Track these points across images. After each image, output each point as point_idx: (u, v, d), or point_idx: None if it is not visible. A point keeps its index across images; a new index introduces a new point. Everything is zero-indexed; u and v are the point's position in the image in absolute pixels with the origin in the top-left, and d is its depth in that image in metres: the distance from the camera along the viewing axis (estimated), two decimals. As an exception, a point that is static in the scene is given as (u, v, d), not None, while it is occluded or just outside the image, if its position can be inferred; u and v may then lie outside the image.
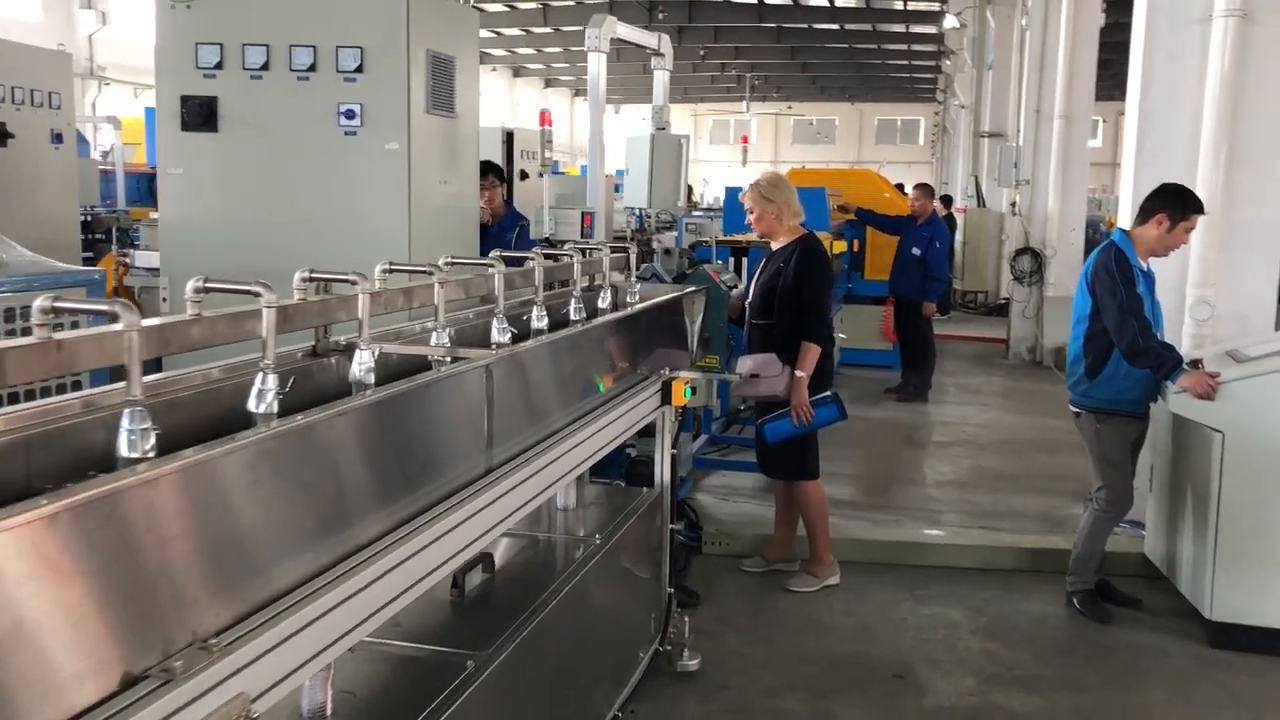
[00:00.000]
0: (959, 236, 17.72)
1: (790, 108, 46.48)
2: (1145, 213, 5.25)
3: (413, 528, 2.39)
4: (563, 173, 18.65)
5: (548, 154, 5.44)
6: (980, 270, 17.67)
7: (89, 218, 10.26)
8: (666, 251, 6.27)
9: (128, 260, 6.48)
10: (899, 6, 28.96)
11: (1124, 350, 5.08)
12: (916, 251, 10.30)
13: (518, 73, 39.71)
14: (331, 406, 2.23)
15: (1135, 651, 5.03)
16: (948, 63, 28.71)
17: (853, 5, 29.65)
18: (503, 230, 7.82)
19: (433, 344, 3.05)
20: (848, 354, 11.71)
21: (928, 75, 37.17)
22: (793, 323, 5.44)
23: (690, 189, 23.51)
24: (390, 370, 2.79)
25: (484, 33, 33.26)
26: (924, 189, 10.59)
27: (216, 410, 2.40)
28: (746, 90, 38.64)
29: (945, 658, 4.90)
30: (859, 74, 39.21)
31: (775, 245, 5.63)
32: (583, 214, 5.57)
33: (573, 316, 4.05)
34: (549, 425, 3.37)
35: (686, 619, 4.76)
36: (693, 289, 5.15)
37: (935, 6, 26.46)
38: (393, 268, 3.05)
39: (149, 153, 15.57)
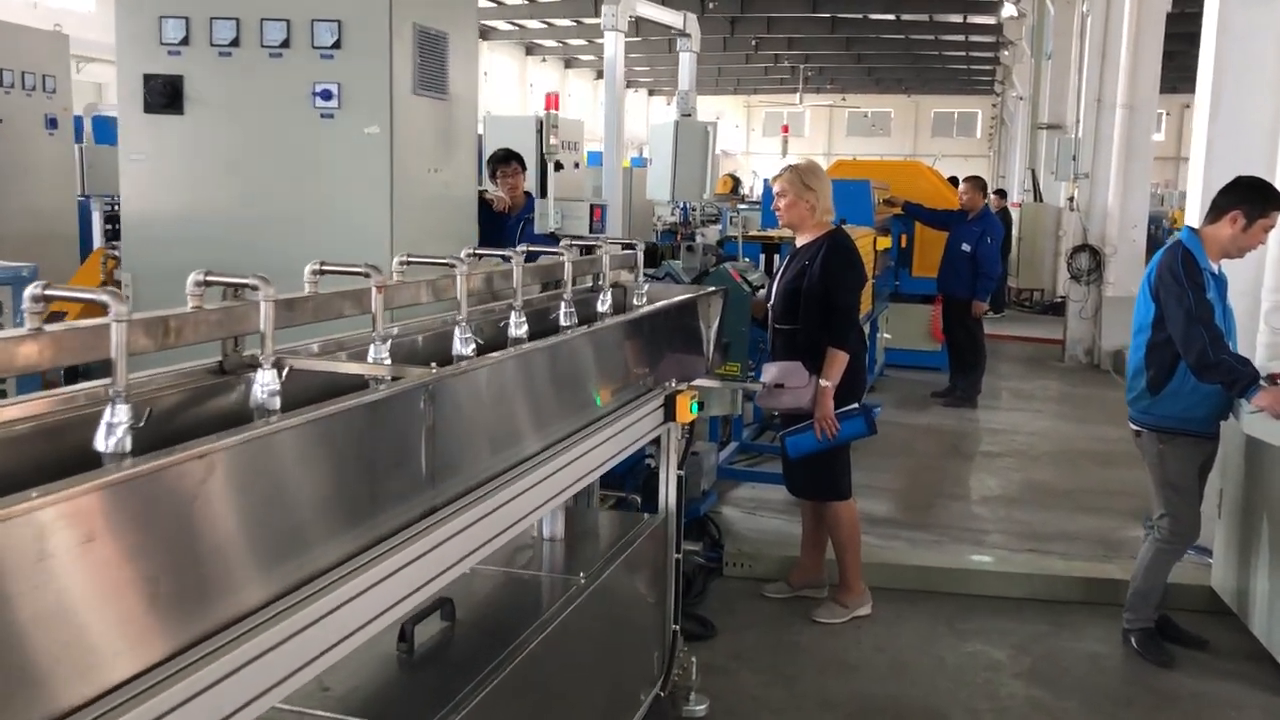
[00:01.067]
0: (1014, 232, 17.04)
1: (844, 100, 45.61)
2: (1218, 209, 4.65)
3: (310, 590, 1.93)
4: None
5: (553, 140, 4.94)
6: (1036, 267, 16.96)
7: (113, 207, 9.96)
8: (689, 248, 5.76)
9: (117, 253, 6.10)
10: (957, -4, 28.15)
11: (1192, 364, 4.51)
12: (966, 248, 9.69)
13: (569, 64, 39.24)
14: (191, 445, 1.76)
15: (1200, 701, 4.46)
16: (1006, 53, 27.86)
17: (909, -6, 28.93)
18: (518, 221, 7.39)
19: (370, 359, 2.58)
20: (893, 354, 11.14)
21: (985, 66, 36.24)
22: (819, 327, 4.92)
23: (738, 181, 22.96)
24: (332, 390, 2.34)
25: (533, 23, 32.79)
26: (974, 182, 9.97)
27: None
28: (799, 82, 37.89)
29: (985, 706, 4.36)
30: (915, 65, 38.36)
31: (800, 241, 5.11)
32: (592, 206, 5.08)
33: (562, 322, 3.57)
34: (520, 451, 2.89)
35: (694, 659, 4.25)
36: (709, 290, 4.65)
37: (993, -4, 25.63)
38: (324, 268, 2.59)
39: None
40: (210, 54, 4.13)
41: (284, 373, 2.23)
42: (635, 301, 4.26)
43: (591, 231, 5.05)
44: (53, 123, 6.47)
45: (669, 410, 3.84)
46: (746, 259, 6.10)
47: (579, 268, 4.21)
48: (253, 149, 4.20)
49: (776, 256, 7.04)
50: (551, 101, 4.91)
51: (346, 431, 2.12)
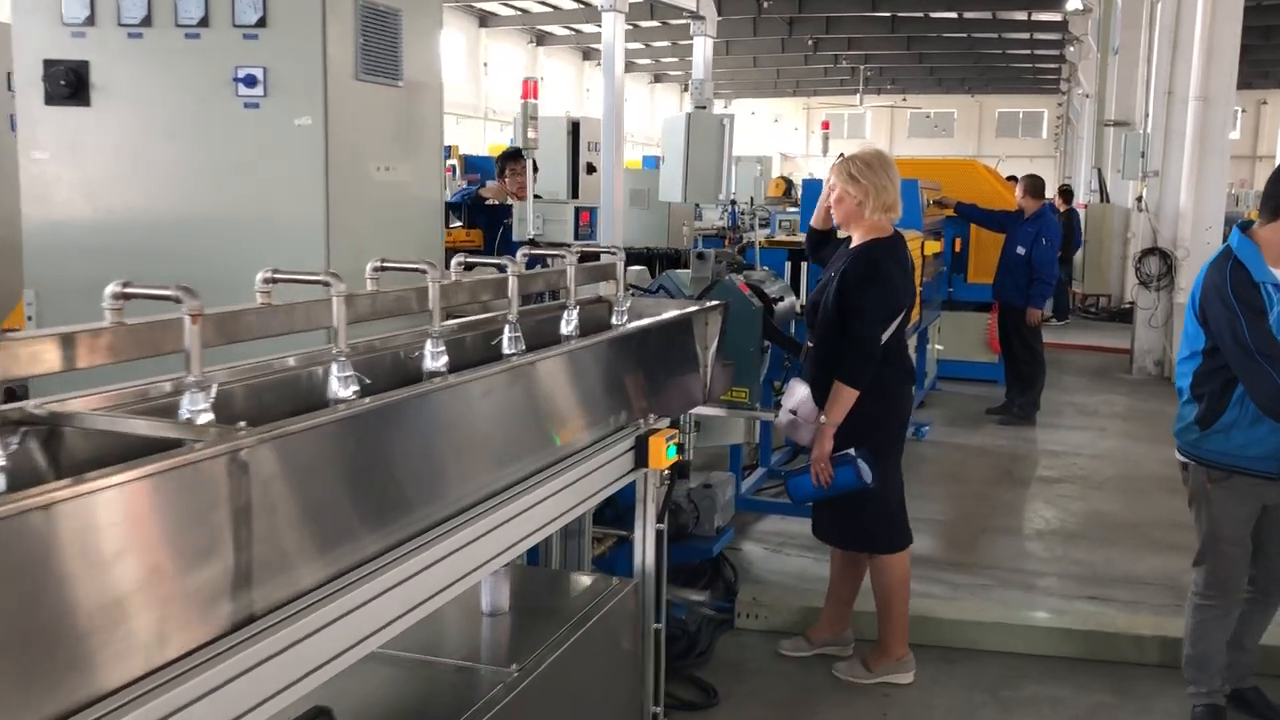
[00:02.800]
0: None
1: (905, 100, 44.44)
2: (1275, 201, 3.71)
3: None
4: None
5: (531, 135, 4.27)
6: (1102, 272, 15.97)
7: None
8: (699, 256, 5.06)
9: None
10: (1020, -8, 27.05)
11: (1264, 407, 3.67)
12: (1021, 251, 8.86)
13: (587, 55, 37.96)
14: None
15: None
16: (1071, 50, 26.72)
17: (971, -8, 27.88)
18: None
19: (184, 410, 1.93)
20: (946, 366, 10.33)
21: (1051, 65, 34.96)
22: (833, 351, 4.20)
23: (791, 183, 22.16)
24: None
25: (537, 6, 31.89)
26: (1029, 181, 9.12)
27: None
28: (860, 83, 36.87)
29: (1030, 804, 3.62)
30: (978, 64, 37.15)
31: (853, 243, 4.37)
32: (577, 210, 4.40)
33: (506, 349, 2.90)
34: (419, 518, 2.24)
35: (680, 745, 3.56)
36: (706, 305, 3.95)
37: (1059, -9, 24.53)
38: (276, 277, 2.03)
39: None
40: (119, 35, 3.53)
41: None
42: (615, 320, 3.58)
43: (577, 238, 4.38)
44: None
45: (640, 454, 3.16)
46: (765, 268, 5.38)
47: (549, 281, 3.56)
48: (169, 144, 3.59)
49: (805, 265, 6.32)
50: (530, 89, 4.25)
51: (129, 510, 1.49)
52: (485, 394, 2.54)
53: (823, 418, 4.20)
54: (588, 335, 3.23)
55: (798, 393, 4.37)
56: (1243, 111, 38.85)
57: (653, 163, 26.56)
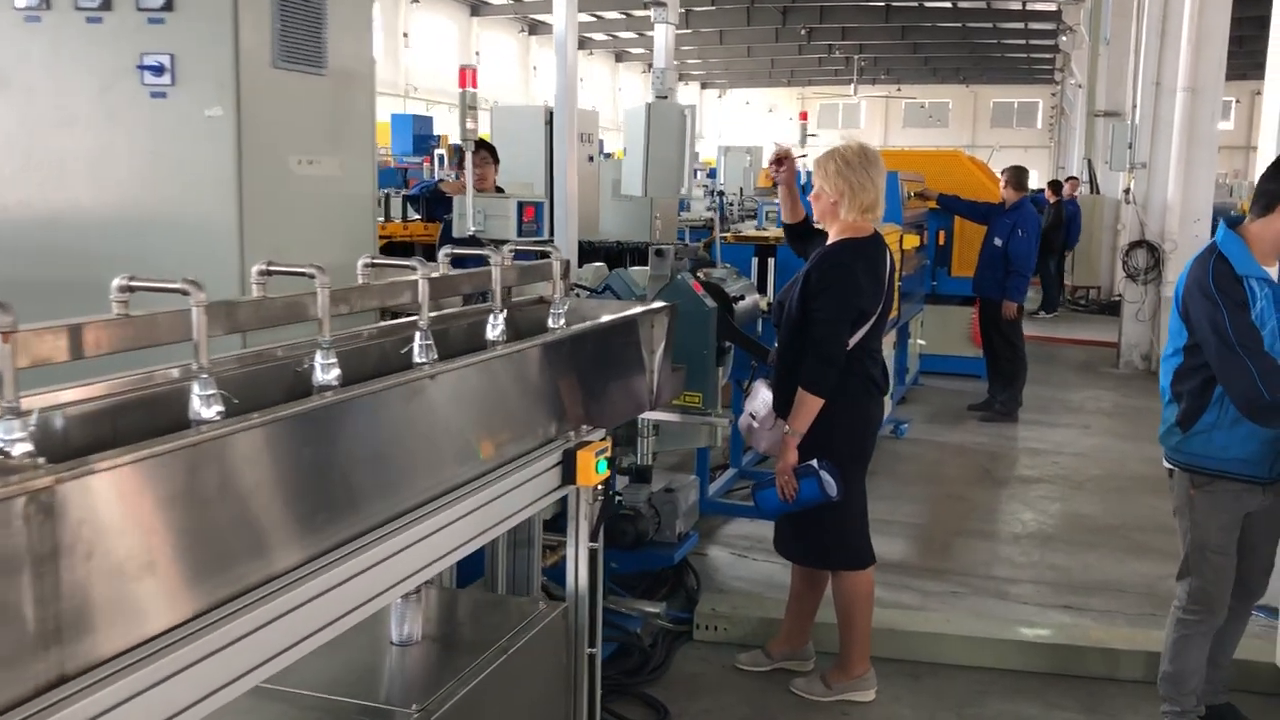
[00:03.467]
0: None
1: (899, 90, 44.10)
2: (1268, 198, 3.52)
3: None
4: (610, 155, 17.25)
5: (470, 125, 4.01)
6: (1092, 264, 15.76)
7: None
8: (658, 252, 4.82)
9: None
10: (1014, -19, 26.77)
11: (1240, 406, 3.48)
12: (999, 243, 8.62)
13: (582, 44, 37.49)
14: None
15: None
16: (1065, 39, 26.40)
17: (965, -19, 27.59)
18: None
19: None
20: (930, 361, 10.09)
21: (1045, 55, 34.67)
22: (798, 354, 3.96)
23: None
24: None
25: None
26: (1011, 172, 8.86)
27: None
28: (854, 73, 36.54)
29: (990, 835, 3.39)
30: (973, 54, 36.85)
31: (828, 241, 4.12)
32: (521, 204, 4.15)
33: (416, 358, 2.67)
34: (303, 547, 2.01)
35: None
36: (651, 307, 3.71)
37: (1054, -19, 24.25)
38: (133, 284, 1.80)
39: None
40: (14, 19, 3.29)
41: None
42: (551, 324, 3.35)
43: (520, 234, 4.13)
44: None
45: (568, 469, 2.92)
46: (727, 265, 5.13)
47: (476, 283, 3.31)
48: (67, 135, 3.35)
49: (772, 261, 6.08)
50: (468, 78, 3.99)
51: None
52: (378, 409, 2.31)
53: (786, 427, 3.96)
54: (513, 342, 3.00)
55: (760, 395, 4.14)
56: (1237, 102, 38.55)
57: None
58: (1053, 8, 26.80)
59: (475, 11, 31.21)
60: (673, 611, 4.73)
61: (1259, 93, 39.70)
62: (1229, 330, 3.40)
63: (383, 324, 2.93)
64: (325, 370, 2.37)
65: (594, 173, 10.41)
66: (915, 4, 29.27)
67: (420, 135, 17.90)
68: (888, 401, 7.93)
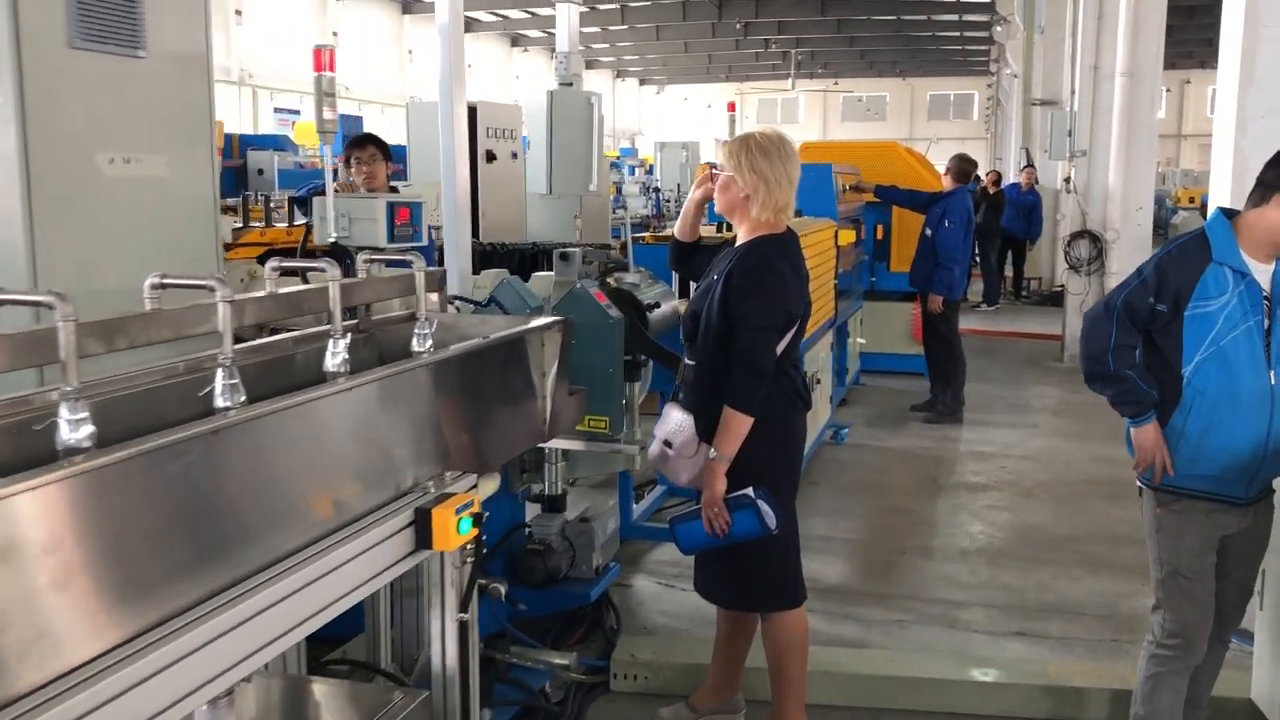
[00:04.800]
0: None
1: (837, 84, 43.82)
2: (1265, 188, 3.16)
3: None
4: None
5: (327, 115, 3.42)
6: (1034, 254, 15.41)
7: None
8: (563, 256, 4.27)
9: None
10: (948, -27, 26.48)
11: (1082, 366, 3.38)
12: (929, 233, 8.18)
13: (515, 41, 36.14)
14: None
15: None
16: (999, 30, 26.14)
17: (899, -26, 27.27)
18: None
19: None
20: (869, 359, 9.63)
21: (980, 46, 34.48)
22: (720, 369, 3.41)
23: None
24: None
25: (515, 13, 30.78)
26: (955, 160, 8.39)
27: None
28: (791, 67, 36.14)
29: None
30: (908, 47, 36.63)
31: (739, 240, 3.58)
32: (392, 206, 3.56)
33: (219, 401, 2.10)
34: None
35: None
36: (541, 323, 3.16)
37: (986, -28, 23.95)
38: None
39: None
40: None
41: None
42: (415, 346, 2.78)
43: (392, 240, 3.56)
44: None
45: (422, 532, 2.35)
46: (642, 269, 4.59)
47: (312, 304, 2.74)
48: None
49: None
50: (323, 60, 3.40)
51: None
52: (148, 476, 1.75)
53: (711, 452, 3.41)
54: (355, 374, 2.43)
55: (672, 419, 3.58)
56: (1168, 91, 38.75)
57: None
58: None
59: (407, 9, 30.43)
60: (587, 660, 4.17)
61: (1189, 81, 39.81)
62: (1122, 298, 3.24)
63: (181, 359, 2.34)
64: (73, 428, 1.80)
65: (517, 170, 9.81)
66: (850, -2, 28.94)
67: (350, 136, 17.18)
68: (827, 405, 7.44)
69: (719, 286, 3.44)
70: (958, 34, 33.79)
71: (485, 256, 6.94)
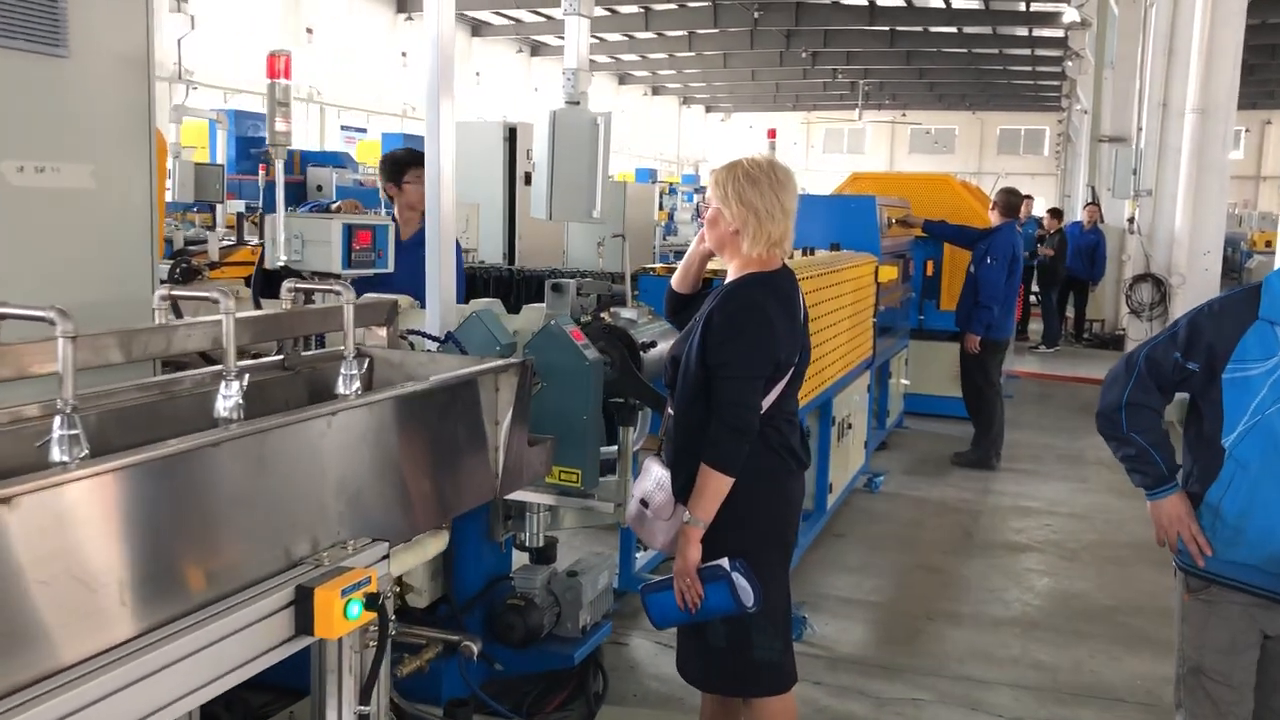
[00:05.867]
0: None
1: (904, 116, 43.15)
2: None
3: None
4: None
5: (281, 126, 3.08)
6: (1096, 296, 14.76)
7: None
8: (555, 287, 3.90)
9: None
10: (1021, 7, 25.83)
11: (1098, 411, 2.96)
12: (972, 270, 7.70)
13: (535, 50, 33.24)
14: None
15: None
16: (1071, 65, 25.47)
17: (971, 7, 26.66)
18: (418, 248, 5.63)
19: None
20: (914, 401, 9.13)
21: (1052, 81, 33.74)
22: (699, 421, 3.02)
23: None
24: None
25: (528, 15, 30.00)
26: (1001, 194, 7.89)
27: None
28: (859, 98, 35.62)
29: None
30: (979, 80, 35.95)
31: (728, 278, 3.19)
32: (349, 229, 3.21)
33: (54, 454, 1.77)
34: None
35: None
36: (493, 365, 2.79)
37: (1060, 7, 23.30)
38: None
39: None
40: None
41: None
42: (341, 389, 2.42)
43: (350, 265, 3.21)
44: None
45: (303, 615, 1.99)
46: (641, 303, 4.21)
47: (262, 329, 2.40)
48: None
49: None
50: (278, 66, 3.07)
51: None
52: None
53: (686, 515, 3.01)
54: (246, 421, 2.08)
55: (651, 474, 3.19)
56: (1246, 131, 37.58)
57: (645, 175, 25.29)
58: (1059, 34, 25.89)
59: (476, 32, 30.36)
60: (561, 729, 3.78)
61: (1269, 122, 38.72)
62: (1145, 352, 2.89)
63: (35, 402, 2.01)
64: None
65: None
66: (920, 29, 28.39)
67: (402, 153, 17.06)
68: (861, 450, 6.98)
69: (699, 329, 3.05)
70: (1029, 68, 33.10)
71: (502, 283, 6.61)
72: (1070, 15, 19.28)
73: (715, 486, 2.93)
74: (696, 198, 21.01)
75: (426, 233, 3.69)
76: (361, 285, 3.74)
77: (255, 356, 2.91)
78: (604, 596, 4.36)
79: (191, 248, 4.64)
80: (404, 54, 27.70)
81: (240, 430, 1.98)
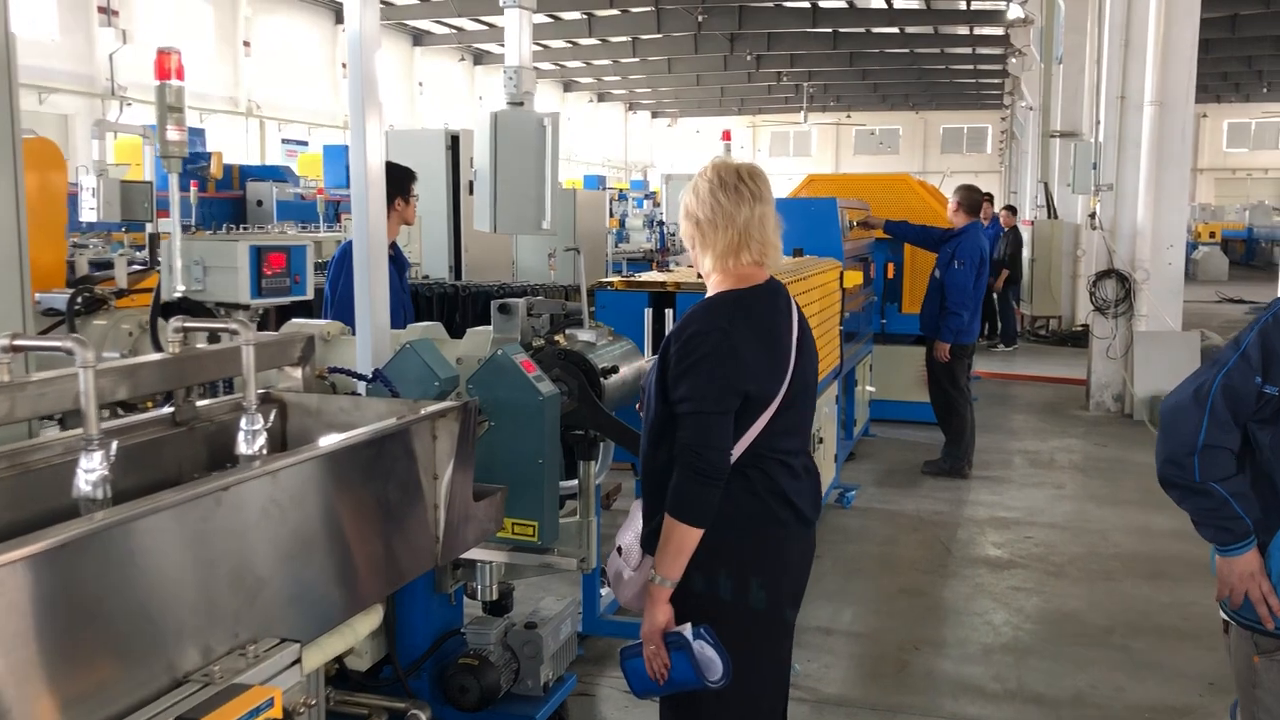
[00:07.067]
0: (1026, 252, 14.67)
1: (849, 117, 43.07)
2: None
3: None
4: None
5: (174, 135, 2.62)
6: (1052, 292, 14.56)
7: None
8: (503, 308, 3.47)
9: None
10: (962, 6, 25.74)
11: (1158, 463, 2.49)
12: (938, 274, 7.34)
13: (478, 59, 32.73)
14: None
15: None
16: (1014, 62, 25.44)
17: (913, 7, 26.53)
18: (401, 263, 5.30)
19: None
20: (880, 408, 8.77)
21: (994, 79, 33.78)
22: (668, 461, 2.59)
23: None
24: None
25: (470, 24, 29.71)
26: (963, 192, 7.53)
27: None
28: (804, 100, 35.42)
29: None
30: (921, 80, 35.91)
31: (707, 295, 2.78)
32: (257, 251, 2.75)
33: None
34: None
35: None
36: (428, 410, 2.35)
37: (1001, 5, 23.18)
38: None
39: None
40: None
41: None
42: (242, 448, 1.97)
43: (261, 294, 2.76)
44: None
45: (185, 755, 1.54)
46: (600, 324, 3.78)
47: (140, 380, 1.95)
48: None
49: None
50: (168, 66, 2.61)
51: None
52: None
53: (651, 573, 2.60)
54: (117, 506, 1.63)
55: (636, 523, 2.77)
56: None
57: (593, 182, 24.82)
58: (1000, 31, 25.81)
59: (418, 41, 29.77)
60: (523, 807, 3.34)
61: (1205, 115, 39.08)
62: (1219, 379, 2.40)
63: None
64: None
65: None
66: (862, 30, 28.23)
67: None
68: (832, 464, 6.60)
69: (658, 358, 2.64)
70: (971, 67, 33.09)
71: (446, 301, 6.16)
72: (1015, 12, 19.09)
73: (678, 539, 2.51)
74: (646, 204, 20.63)
75: (354, 250, 3.24)
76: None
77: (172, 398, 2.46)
78: (567, 647, 3.93)
79: (98, 273, 4.15)
80: (344, 65, 26.95)
81: (94, 526, 1.53)
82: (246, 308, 2.72)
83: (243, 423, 1.99)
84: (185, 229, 12.87)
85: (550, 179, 3.85)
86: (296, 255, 2.88)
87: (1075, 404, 10.19)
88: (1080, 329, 12.88)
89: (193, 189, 14.24)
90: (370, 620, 2.36)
